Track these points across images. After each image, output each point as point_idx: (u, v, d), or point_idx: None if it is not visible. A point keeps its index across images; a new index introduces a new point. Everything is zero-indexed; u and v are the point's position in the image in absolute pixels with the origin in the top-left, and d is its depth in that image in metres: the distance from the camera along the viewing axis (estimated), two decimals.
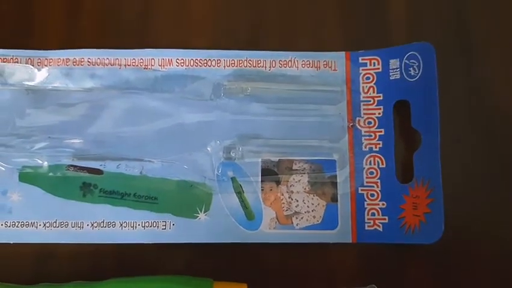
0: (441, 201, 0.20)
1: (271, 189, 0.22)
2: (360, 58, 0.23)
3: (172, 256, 0.22)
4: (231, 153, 0.22)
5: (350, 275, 0.22)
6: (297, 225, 0.22)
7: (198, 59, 0.23)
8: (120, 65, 0.23)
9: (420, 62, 0.22)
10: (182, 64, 0.23)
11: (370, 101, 0.23)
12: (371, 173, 0.22)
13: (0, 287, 0.20)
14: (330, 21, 0.24)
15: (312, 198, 0.22)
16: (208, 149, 0.22)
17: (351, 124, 0.23)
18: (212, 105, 0.22)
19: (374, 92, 0.23)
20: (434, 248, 0.21)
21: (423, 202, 0.21)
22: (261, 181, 0.22)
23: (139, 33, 0.24)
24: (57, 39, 0.24)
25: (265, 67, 0.23)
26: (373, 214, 0.22)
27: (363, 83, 0.23)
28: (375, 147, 0.22)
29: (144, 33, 0.24)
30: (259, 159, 0.22)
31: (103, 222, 0.22)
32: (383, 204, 0.22)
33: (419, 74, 0.22)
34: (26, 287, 0.20)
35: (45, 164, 0.22)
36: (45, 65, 0.23)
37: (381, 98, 0.23)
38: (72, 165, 0.22)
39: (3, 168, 0.22)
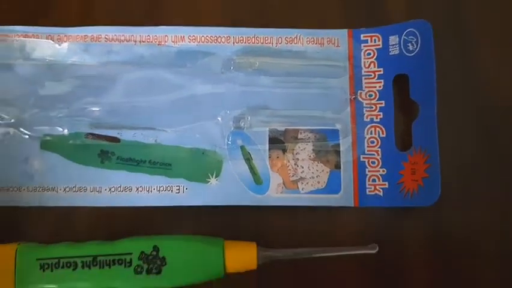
0: (438, 166, 0.22)
1: (278, 157, 0.23)
2: (361, 35, 0.24)
3: (184, 218, 0.23)
4: (240, 123, 0.23)
5: (352, 236, 0.23)
6: (302, 189, 0.23)
7: (209, 36, 0.24)
8: (135, 41, 0.24)
9: (418, 38, 0.23)
10: (194, 40, 0.24)
11: (371, 75, 0.24)
12: (372, 142, 0.24)
13: (24, 247, 0.21)
14: (332, 2, 0.26)
15: (317, 165, 0.23)
16: (219, 119, 0.23)
17: (353, 97, 0.24)
18: (222, 78, 0.24)
19: (374, 67, 0.24)
20: (431, 210, 0.22)
21: (421, 168, 0.22)
22: (269, 149, 0.23)
23: (152, 12, 0.25)
24: (75, 17, 0.25)
25: (272, 43, 0.24)
26: (374, 180, 0.23)
27: (364, 58, 0.24)
28: (376, 118, 0.24)
29: (157, 13, 0.25)
30: (267, 129, 0.23)
31: (120, 187, 0.23)
32: (383, 171, 0.23)
33: (417, 49, 0.23)
34: (47, 245, 0.21)
35: (66, 132, 0.23)
36: (65, 41, 0.24)
37: (381, 72, 0.24)
38: (91, 133, 0.23)
39: (27, 136, 0.23)
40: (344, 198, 0.23)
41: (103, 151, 0.23)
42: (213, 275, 0.21)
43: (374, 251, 0.21)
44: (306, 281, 0.23)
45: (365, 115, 0.24)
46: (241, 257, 0.21)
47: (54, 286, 0.21)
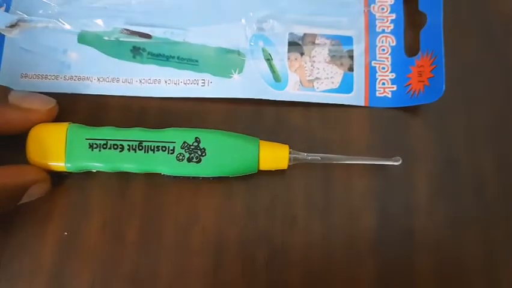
0: (442, 66, 0.24)
1: (296, 59, 0.25)
2: None
3: (208, 109, 0.25)
4: (263, 26, 0.25)
5: (362, 135, 0.25)
6: (317, 88, 0.25)
7: None
8: None
9: None
10: None
11: None
12: (383, 50, 0.26)
13: (74, 126, 0.23)
14: None
15: (332, 67, 0.25)
16: (243, 21, 0.25)
17: (367, 9, 0.26)
18: None
19: None
20: (435, 107, 0.24)
21: (428, 69, 0.24)
22: (288, 51, 0.25)
23: None
24: None
25: None
26: (383, 84, 0.25)
27: None
28: (387, 29, 0.26)
29: None
30: (287, 33, 0.26)
31: (150, 79, 0.25)
32: (392, 75, 0.25)
33: None
34: (95, 127, 0.23)
35: (102, 27, 0.25)
36: None
37: None
38: (126, 29, 0.25)
39: (69, 27, 0.25)
40: (355, 97, 0.25)
41: (135, 47, 0.25)
42: (248, 169, 0.23)
43: (397, 163, 0.23)
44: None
45: (377, 26, 0.26)
46: (274, 156, 0.23)
47: (101, 165, 0.22)
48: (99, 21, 0.25)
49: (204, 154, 0.22)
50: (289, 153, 0.23)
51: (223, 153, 0.22)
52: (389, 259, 0.23)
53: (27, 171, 0.22)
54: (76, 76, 0.25)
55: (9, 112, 0.21)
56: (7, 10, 0.25)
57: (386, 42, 0.26)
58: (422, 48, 0.25)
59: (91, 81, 0.25)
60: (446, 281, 0.23)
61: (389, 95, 0.25)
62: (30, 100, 0.22)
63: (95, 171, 0.23)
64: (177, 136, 0.22)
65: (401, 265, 0.23)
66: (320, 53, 0.25)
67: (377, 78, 0.25)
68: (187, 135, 0.22)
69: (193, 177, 0.23)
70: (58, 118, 0.23)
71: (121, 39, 0.25)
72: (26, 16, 0.25)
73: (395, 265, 0.23)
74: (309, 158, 0.23)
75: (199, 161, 0.22)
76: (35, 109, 0.22)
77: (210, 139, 0.22)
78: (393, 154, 0.24)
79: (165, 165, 0.22)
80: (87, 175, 0.23)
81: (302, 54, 0.25)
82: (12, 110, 0.22)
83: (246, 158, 0.22)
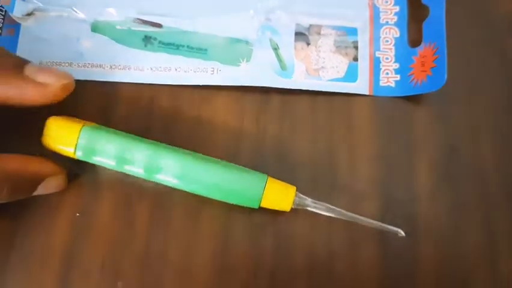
0: (444, 56, 0.24)
1: (302, 48, 0.26)
2: None
3: (216, 96, 0.26)
4: (270, 17, 0.26)
5: (366, 123, 0.26)
6: (323, 77, 0.26)
7: None
8: None
9: None
10: None
11: None
12: (387, 41, 0.26)
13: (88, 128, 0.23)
14: None
15: (337, 57, 0.26)
16: (251, 11, 0.26)
17: (372, 2, 0.27)
18: None
19: None
20: (437, 95, 0.25)
21: (430, 59, 0.25)
22: (294, 41, 0.26)
23: None
24: None
25: None
26: (387, 73, 0.26)
27: None
28: (391, 21, 0.27)
29: None
30: (294, 24, 0.26)
31: (161, 67, 0.26)
32: (396, 66, 0.26)
33: None
34: (109, 131, 0.23)
35: (115, 16, 0.26)
36: None
37: None
38: (138, 18, 0.26)
39: (83, 16, 0.26)
40: (359, 86, 0.26)
41: (147, 36, 0.26)
42: (249, 203, 0.22)
43: (399, 235, 0.22)
44: None
45: (381, 18, 0.27)
46: (279, 195, 0.22)
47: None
48: (112, 11, 0.26)
49: None
50: (295, 195, 0.22)
51: (228, 184, 0.22)
52: (391, 245, 0.24)
53: (44, 162, 0.22)
54: (89, 63, 0.26)
55: (23, 85, 0.21)
56: None
57: (389, 33, 0.27)
58: (424, 40, 0.26)
59: (104, 68, 0.26)
60: (447, 267, 0.24)
61: (393, 85, 0.26)
62: (46, 74, 0.22)
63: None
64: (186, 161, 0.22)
65: (403, 251, 0.24)
66: (326, 43, 0.26)
67: (380, 68, 0.26)
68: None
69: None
70: (72, 104, 0.24)
71: (133, 28, 0.26)
72: (41, 5, 0.26)
73: (397, 251, 0.24)
74: (314, 205, 0.22)
75: None
76: (50, 83, 0.22)
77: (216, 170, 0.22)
78: (395, 142, 0.25)
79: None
80: None
81: (308, 44, 0.26)
82: (27, 82, 0.21)
83: (250, 193, 0.22)
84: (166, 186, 0.23)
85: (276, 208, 0.23)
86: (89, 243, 0.24)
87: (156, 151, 0.22)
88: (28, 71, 0.22)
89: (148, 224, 0.24)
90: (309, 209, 0.22)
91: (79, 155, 0.22)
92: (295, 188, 0.22)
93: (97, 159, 0.22)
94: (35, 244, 0.24)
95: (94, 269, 0.23)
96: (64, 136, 0.22)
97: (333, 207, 0.23)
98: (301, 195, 0.23)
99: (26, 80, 0.21)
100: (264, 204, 0.22)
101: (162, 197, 0.24)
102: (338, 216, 0.23)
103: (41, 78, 0.22)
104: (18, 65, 0.22)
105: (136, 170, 0.22)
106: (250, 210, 0.23)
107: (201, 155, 0.23)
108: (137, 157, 0.22)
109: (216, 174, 0.22)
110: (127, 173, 0.23)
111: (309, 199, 0.23)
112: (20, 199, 0.22)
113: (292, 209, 0.22)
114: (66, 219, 0.24)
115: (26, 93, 0.21)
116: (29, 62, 0.22)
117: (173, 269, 0.23)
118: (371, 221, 0.23)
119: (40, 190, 0.22)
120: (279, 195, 0.22)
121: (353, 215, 0.23)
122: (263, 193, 0.22)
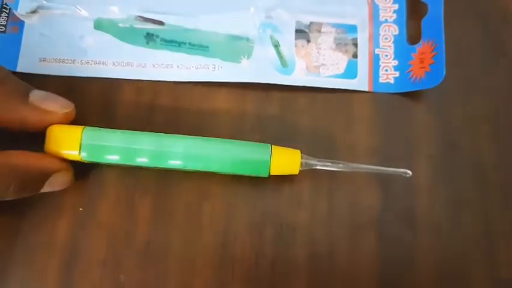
0: (443, 52, 0.25)
1: (302, 46, 0.26)
2: None
3: (217, 93, 0.26)
4: (271, 14, 0.26)
5: (365, 119, 0.26)
6: (323, 73, 0.26)
7: None
8: None
9: None
10: None
11: None
12: (386, 38, 0.27)
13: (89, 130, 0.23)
14: None
15: (337, 54, 0.26)
16: (252, 9, 0.27)
17: (371, 0, 0.27)
18: None
19: None
20: (436, 91, 0.25)
21: (429, 56, 0.25)
22: (295, 39, 0.26)
23: None
24: None
25: None
26: (386, 70, 0.26)
27: None
28: (390, 19, 0.27)
29: None
30: (294, 21, 0.27)
31: (163, 64, 0.26)
32: (395, 62, 0.26)
33: None
34: (109, 132, 0.23)
35: (117, 14, 0.26)
36: None
37: None
38: (140, 16, 0.26)
39: (86, 13, 0.26)
40: (359, 83, 0.26)
41: (149, 34, 0.26)
42: (259, 172, 0.23)
43: (407, 175, 0.23)
44: None
45: (381, 16, 0.27)
46: (286, 160, 0.23)
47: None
48: (114, 9, 0.26)
49: None
50: (301, 158, 0.23)
51: (235, 158, 0.23)
52: (390, 238, 0.24)
53: (50, 158, 0.23)
54: (92, 60, 0.26)
55: (27, 111, 0.22)
56: None
57: (388, 31, 0.27)
58: (423, 37, 0.26)
59: (106, 65, 0.26)
60: (446, 261, 0.24)
61: (392, 81, 0.26)
62: (49, 102, 0.22)
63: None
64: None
65: (401, 244, 0.24)
66: (326, 41, 0.27)
67: (380, 65, 0.26)
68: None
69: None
70: (75, 101, 0.24)
71: (135, 25, 0.26)
72: (45, 3, 0.26)
73: (396, 244, 0.24)
74: (320, 163, 0.23)
75: None
76: (53, 111, 0.22)
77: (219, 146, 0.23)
78: (394, 137, 0.25)
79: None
80: None
81: (309, 41, 0.27)
82: (31, 109, 0.22)
83: (258, 163, 0.23)
84: (167, 180, 0.23)
85: (286, 173, 0.23)
86: (92, 237, 0.24)
87: (161, 137, 0.23)
88: (33, 97, 0.22)
89: (150, 218, 0.24)
90: (317, 167, 0.23)
91: (83, 156, 0.23)
92: (299, 151, 0.23)
93: (102, 157, 0.23)
94: (38, 238, 0.24)
95: (96, 262, 0.23)
96: (67, 140, 0.23)
97: (338, 161, 0.23)
98: (307, 156, 0.23)
99: (30, 106, 0.22)
100: (273, 171, 0.23)
101: (164, 191, 0.24)
102: (344, 169, 0.23)
103: (45, 105, 0.22)
104: (24, 93, 0.22)
105: (144, 160, 0.23)
106: (251, 201, 0.23)
107: (201, 137, 0.23)
108: (144, 146, 0.22)
109: (223, 149, 0.23)
110: (135, 164, 0.23)
111: (315, 159, 0.23)
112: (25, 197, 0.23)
113: (300, 171, 0.23)
114: (70, 213, 0.24)
115: (29, 119, 0.22)
116: (33, 89, 0.23)
117: (175, 262, 0.24)
118: (377, 167, 0.23)
119: (47, 187, 0.23)
120: (286, 160, 0.23)
121: (358, 165, 0.23)
122: (270, 159, 0.22)
